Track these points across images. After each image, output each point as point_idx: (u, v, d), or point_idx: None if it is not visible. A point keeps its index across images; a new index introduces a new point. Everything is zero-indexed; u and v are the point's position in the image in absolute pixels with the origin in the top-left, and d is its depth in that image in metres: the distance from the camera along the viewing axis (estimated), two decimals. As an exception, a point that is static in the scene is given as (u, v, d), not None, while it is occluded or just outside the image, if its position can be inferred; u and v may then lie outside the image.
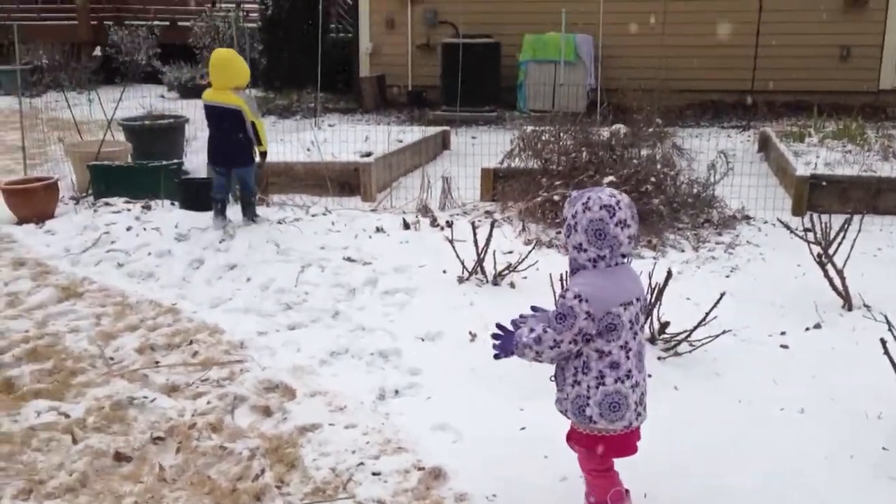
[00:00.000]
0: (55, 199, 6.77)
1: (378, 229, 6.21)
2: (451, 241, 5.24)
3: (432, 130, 9.74)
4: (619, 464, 2.78)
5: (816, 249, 4.73)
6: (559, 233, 6.09)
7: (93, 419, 3.56)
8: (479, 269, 5.16)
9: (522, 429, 3.45)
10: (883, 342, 3.29)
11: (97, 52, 16.05)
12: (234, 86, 6.13)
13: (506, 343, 2.76)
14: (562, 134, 7.32)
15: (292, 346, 4.33)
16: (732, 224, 6.43)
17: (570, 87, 11.73)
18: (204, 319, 4.68)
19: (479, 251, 5.12)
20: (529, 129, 7.86)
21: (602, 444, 2.66)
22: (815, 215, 4.96)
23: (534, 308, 2.82)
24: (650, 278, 4.15)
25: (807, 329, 4.44)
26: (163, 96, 13.87)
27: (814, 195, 6.74)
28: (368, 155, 7.86)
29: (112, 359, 4.20)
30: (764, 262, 5.62)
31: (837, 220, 4.82)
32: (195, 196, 6.67)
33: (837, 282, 4.68)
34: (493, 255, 5.16)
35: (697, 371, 3.93)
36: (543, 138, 7.43)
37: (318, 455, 3.29)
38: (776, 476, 3.10)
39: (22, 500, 3.03)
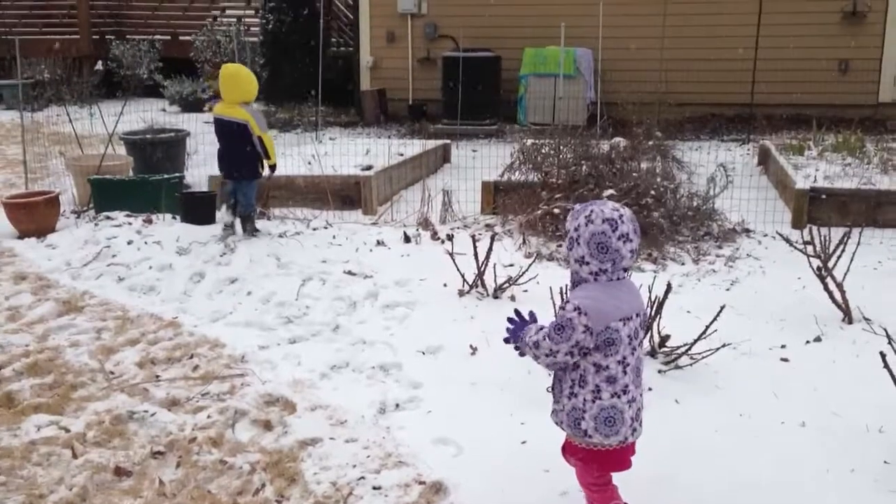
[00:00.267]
0: (56, 213, 6.78)
1: (379, 243, 6.22)
2: (451, 255, 5.25)
3: (433, 144, 9.76)
4: (619, 477, 2.78)
5: (816, 262, 4.74)
6: (559, 246, 6.10)
7: (93, 433, 3.55)
8: (479, 282, 5.17)
9: (523, 442, 3.44)
10: (883, 355, 3.29)
11: (99, 66, 16.11)
12: (242, 100, 6.19)
13: (517, 331, 2.75)
14: (562, 147, 7.34)
15: (293, 360, 4.34)
16: (732, 237, 6.44)
17: (570, 100, 11.77)
18: (205, 333, 4.69)
19: (480, 264, 5.13)
20: (529, 142, 7.88)
21: (596, 459, 2.65)
22: (815, 228, 4.97)
23: (532, 315, 2.81)
24: (650, 291, 4.15)
25: (807, 342, 4.44)
26: (164, 110, 13.91)
27: (813, 208, 6.75)
28: (369, 168, 7.87)
29: (112, 373, 4.20)
30: (764, 275, 5.62)
31: (837, 234, 4.83)
32: (196, 210, 6.69)
33: (837, 295, 4.68)
34: (494, 268, 5.17)
35: (698, 384, 3.93)
36: (543, 151, 7.46)
37: (318, 469, 3.29)
38: (777, 489, 3.10)
39: (22, 514, 3.03)
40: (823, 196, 6.76)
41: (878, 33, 11.99)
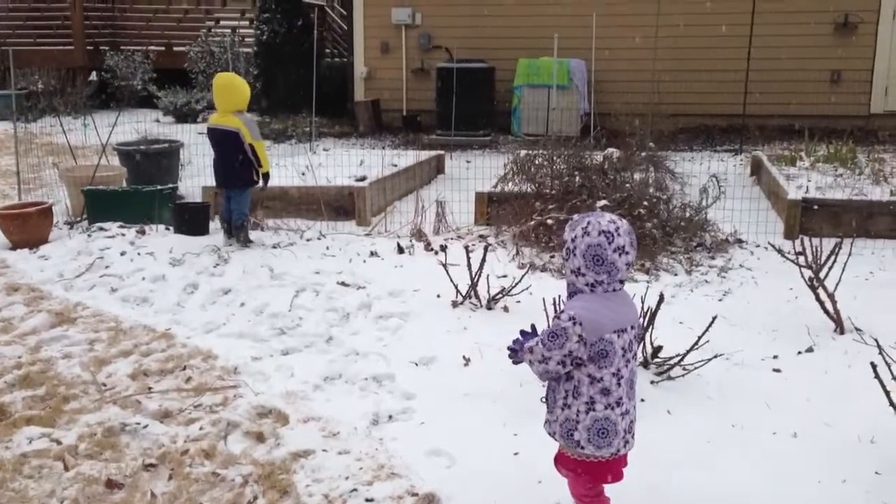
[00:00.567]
0: (49, 224, 6.77)
1: (372, 253, 6.23)
2: (445, 266, 5.26)
3: (427, 154, 9.78)
4: (610, 488, 2.79)
5: (808, 273, 4.76)
6: (553, 257, 6.12)
7: (85, 446, 3.54)
8: (472, 293, 5.18)
9: (516, 454, 3.44)
10: (873, 366, 3.30)
11: (93, 76, 16.11)
12: (234, 108, 6.24)
13: (522, 343, 2.72)
14: (555, 158, 7.36)
15: (286, 372, 4.33)
16: (725, 248, 6.47)
17: (564, 111, 11.82)
18: (197, 345, 4.68)
19: (473, 275, 5.14)
20: (523, 153, 7.90)
21: (588, 470, 2.66)
22: (807, 239, 4.99)
23: (533, 327, 2.81)
24: (643, 302, 4.16)
25: (799, 353, 4.45)
26: (158, 121, 13.91)
27: (805, 219, 6.78)
28: (363, 179, 7.88)
29: (105, 385, 4.18)
30: (756, 285, 5.64)
31: (829, 244, 4.85)
32: (190, 221, 6.69)
33: (829, 305, 4.70)
34: (487, 279, 5.18)
35: (690, 395, 3.93)
36: (537, 162, 7.48)
37: (311, 481, 3.28)
38: (769, 500, 3.10)
39: (13, 528, 3.02)
40: (815, 207, 6.79)
41: (869, 44, 12.07)
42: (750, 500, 3.11)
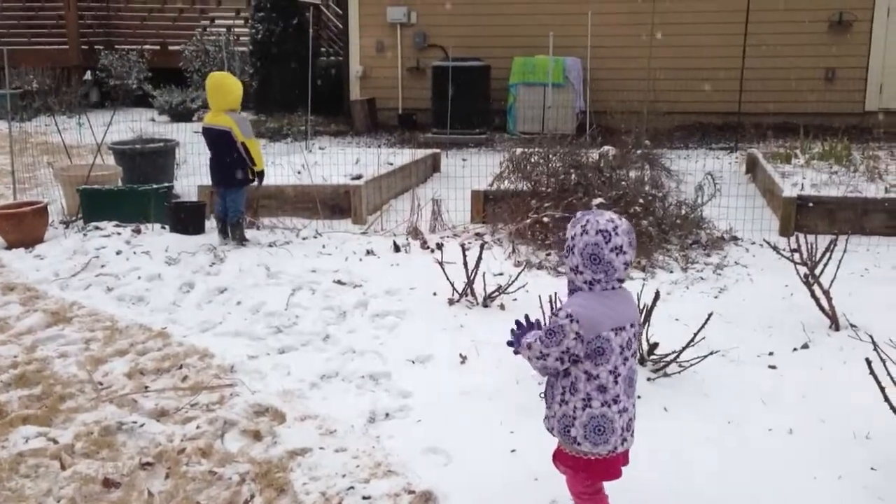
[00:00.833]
0: (45, 224, 6.76)
1: (368, 252, 6.23)
2: (441, 264, 5.26)
3: (423, 153, 9.78)
4: (608, 486, 2.79)
5: (803, 270, 4.77)
6: (549, 255, 6.12)
7: (81, 445, 3.54)
8: (469, 291, 5.18)
9: (513, 451, 3.45)
10: (868, 362, 3.31)
11: (88, 76, 16.08)
12: (227, 107, 6.25)
13: (520, 336, 2.76)
14: (551, 156, 7.36)
15: (282, 370, 4.33)
16: (720, 245, 6.48)
17: (559, 109, 11.82)
18: (194, 343, 4.68)
19: (469, 273, 5.15)
20: (519, 151, 7.90)
21: (585, 467, 2.66)
22: (802, 236, 5.00)
23: (527, 318, 2.83)
24: (639, 299, 4.16)
25: (794, 349, 4.46)
26: (153, 120, 13.89)
27: (801, 216, 6.79)
28: (359, 178, 7.88)
29: (101, 384, 4.18)
30: (752, 282, 5.65)
31: (824, 241, 4.86)
32: (185, 220, 6.69)
33: (824, 302, 4.71)
34: (483, 277, 5.18)
35: (686, 392, 3.94)
36: (533, 160, 7.48)
37: (308, 479, 3.29)
38: (765, 497, 3.11)
39: (9, 527, 3.01)
40: (810, 204, 6.81)
41: (863, 42, 12.10)
42: (746, 496, 3.12)
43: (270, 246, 6.39)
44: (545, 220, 6.39)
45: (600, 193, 6.53)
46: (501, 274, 5.53)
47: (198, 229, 6.69)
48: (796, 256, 4.81)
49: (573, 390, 2.61)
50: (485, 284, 5.16)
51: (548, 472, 2.99)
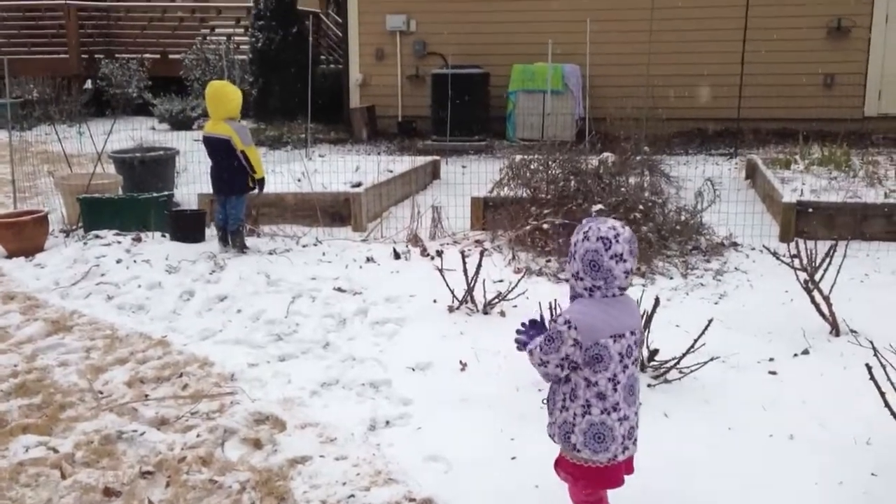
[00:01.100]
0: (45, 233, 6.77)
1: (368, 259, 6.23)
2: (441, 271, 5.27)
3: (422, 160, 9.79)
4: (610, 493, 2.79)
5: (803, 276, 4.77)
6: (549, 261, 6.13)
7: (81, 454, 3.54)
8: (469, 298, 5.18)
9: (513, 458, 3.45)
10: (868, 368, 3.31)
11: (88, 84, 16.11)
12: (226, 115, 6.27)
13: (528, 336, 2.76)
14: (550, 163, 7.37)
15: (283, 378, 4.33)
16: (720, 251, 6.48)
17: (559, 116, 11.83)
18: (194, 352, 4.68)
19: (469, 280, 5.15)
20: (518, 158, 7.91)
21: (585, 475, 2.66)
22: (802, 242, 5.00)
23: (542, 318, 2.84)
24: (639, 305, 4.16)
25: (795, 355, 4.46)
26: (153, 128, 13.91)
27: (800, 221, 6.79)
28: (359, 185, 7.89)
29: (101, 392, 4.18)
30: (752, 288, 5.65)
31: (824, 247, 4.86)
32: (186, 228, 6.69)
33: (824, 308, 4.71)
34: (483, 284, 5.19)
35: (687, 398, 3.94)
36: (532, 167, 7.48)
37: (308, 487, 3.28)
38: (766, 503, 3.11)
39: (9, 536, 3.01)
40: (810, 209, 6.81)
41: (862, 48, 12.12)
42: (746, 502, 3.12)
43: (270, 254, 6.39)
44: (545, 226, 6.39)
45: (600, 200, 6.53)
46: (501, 281, 5.53)
47: (198, 237, 6.69)
48: (796, 262, 4.81)
49: (573, 397, 2.61)
50: (485, 291, 5.16)
51: (548, 479, 2.98)
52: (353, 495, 3.20)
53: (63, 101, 14.36)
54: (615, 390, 2.58)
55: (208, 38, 16.12)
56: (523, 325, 2.83)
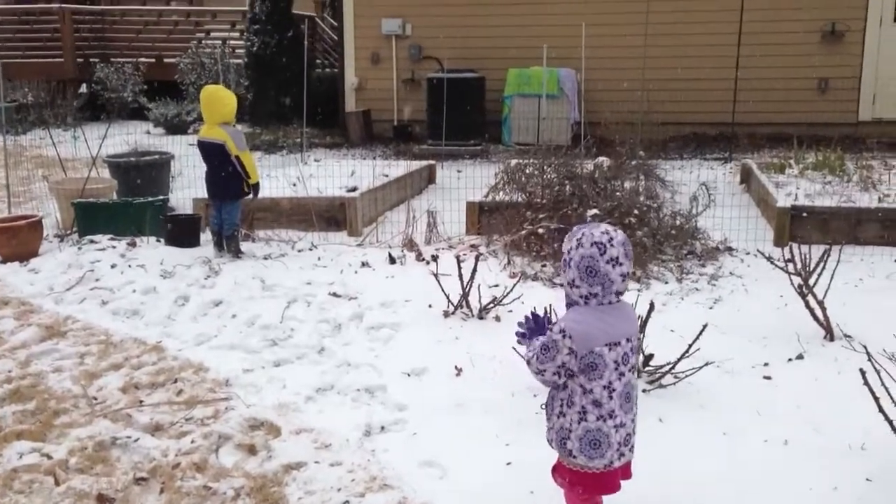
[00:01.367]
0: (39, 237, 6.75)
1: (364, 264, 6.23)
2: (436, 276, 5.27)
3: (418, 164, 9.80)
4: (605, 499, 2.79)
5: (797, 280, 4.78)
6: (544, 266, 6.13)
7: (75, 460, 3.52)
8: (464, 303, 5.18)
9: (508, 464, 3.44)
10: (862, 372, 3.31)
11: (83, 89, 16.09)
12: (221, 120, 6.27)
13: (531, 333, 2.78)
14: (546, 167, 7.38)
15: (278, 383, 4.32)
16: (715, 255, 6.49)
17: (554, 120, 11.85)
18: (189, 357, 4.67)
19: (465, 285, 5.15)
20: (514, 162, 7.92)
21: (581, 481, 2.66)
22: (796, 246, 5.01)
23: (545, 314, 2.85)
24: (634, 310, 4.16)
25: (789, 360, 4.47)
26: (148, 132, 13.89)
27: (795, 226, 6.81)
28: (354, 190, 7.89)
29: (95, 398, 4.17)
30: (746, 293, 5.66)
31: (818, 251, 4.87)
32: (180, 232, 6.68)
33: (819, 312, 4.72)
34: (479, 288, 5.19)
35: (681, 403, 3.94)
36: (528, 172, 7.49)
37: (303, 493, 3.28)
38: (761, 509, 3.12)
39: (3, 544, 3.00)
40: (804, 214, 6.83)
41: (856, 52, 12.15)
42: (742, 507, 3.13)
43: (266, 258, 6.38)
44: (540, 231, 6.40)
45: (595, 204, 6.54)
46: (497, 285, 5.53)
47: (193, 242, 6.68)
48: (790, 267, 4.83)
49: (570, 403, 2.62)
50: (480, 296, 5.16)
51: (544, 485, 2.99)
52: (347, 501, 3.20)
53: (58, 105, 14.35)
54: (610, 398, 2.59)
55: (203, 42, 16.12)
56: (526, 317, 2.83)
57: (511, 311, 5.14)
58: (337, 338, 4.94)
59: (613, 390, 2.58)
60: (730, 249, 6.66)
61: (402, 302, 5.41)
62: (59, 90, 14.93)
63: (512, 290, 5.20)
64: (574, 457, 2.62)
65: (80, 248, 6.51)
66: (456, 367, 4.40)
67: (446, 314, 5.17)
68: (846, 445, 3.51)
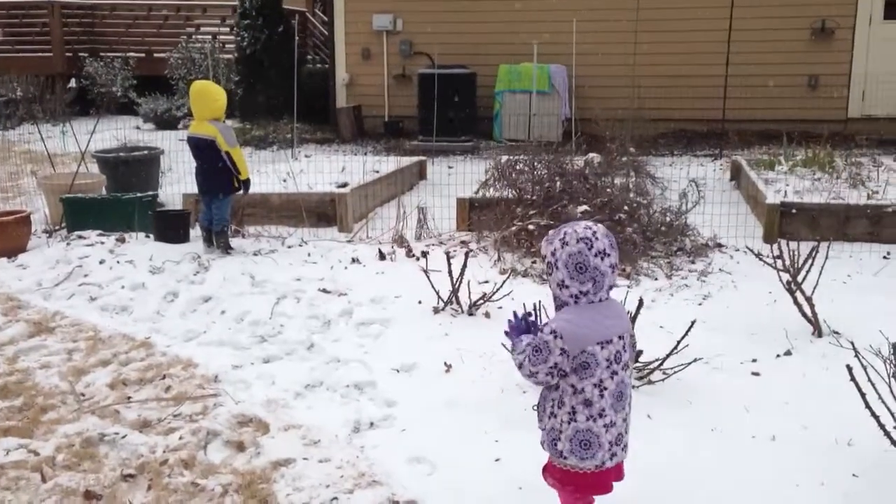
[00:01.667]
0: (28, 233, 6.72)
1: (354, 260, 6.22)
2: (426, 272, 5.26)
3: (409, 160, 9.78)
4: (597, 498, 2.79)
5: (786, 277, 4.80)
6: (534, 262, 6.13)
7: (62, 457, 3.51)
8: (454, 299, 5.18)
9: (497, 460, 3.45)
10: (849, 368, 3.33)
11: (72, 83, 15.99)
12: (210, 116, 6.24)
13: (517, 330, 2.74)
14: (536, 163, 7.38)
15: (267, 380, 4.31)
16: (705, 252, 6.50)
17: (545, 116, 11.85)
18: (177, 353, 4.65)
19: (454, 281, 5.15)
20: (504, 158, 7.92)
21: (572, 481, 2.65)
22: (785, 242, 5.03)
23: (524, 315, 2.80)
24: (623, 306, 4.17)
25: (777, 356, 4.49)
26: (138, 128, 13.83)
27: (784, 223, 6.83)
28: (345, 186, 7.87)
29: (83, 395, 4.15)
30: (735, 289, 5.68)
31: (807, 248, 4.89)
32: (170, 228, 6.66)
33: (807, 308, 4.74)
34: (468, 284, 5.18)
35: (670, 399, 3.95)
36: (518, 168, 7.49)
37: (291, 490, 3.27)
38: (748, 504, 3.13)
39: (-11, 541, 2.98)
40: (794, 211, 6.85)
41: (846, 49, 12.19)
42: (728, 503, 3.13)
43: (255, 254, 6.37)
44: (530, 227, 6.40)
45: (585, 201, 6.55)
46: (487, 282, 5.53)
47: (182, 238, 6.65)
48: (779, 263, 4.84)
49: (560, 404, 2.61)
50: (469, 292, 5.16)
51: (532, 481, 2.99)
52: (336, 498, 3.20)
53: (47, 100, 14.26)
54: (601, 396, 2.57)
55: (194, 36, 16.03)
56: (515, 315, 2.80)
57: (501, 307, 5.14)
58: (326, 334, 4.93)
59: (605, 389, 2.57)
60: (719, 246, 6.67)
61: (391, 298, 5.41)
62: (48, 85, 14.84)
63: (502, 286, 5.20)
64: (565, 458, 2.61)
65: (68, 244, 6.48)
66: (445, 364, 4.40)
67: (436, 310, 5.17)
68: (833, 441, 3.53)
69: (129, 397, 4.12)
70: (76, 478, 3.34)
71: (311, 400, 4.10)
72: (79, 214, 6.98)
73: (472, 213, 7.23)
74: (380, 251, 6.34)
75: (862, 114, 12.29)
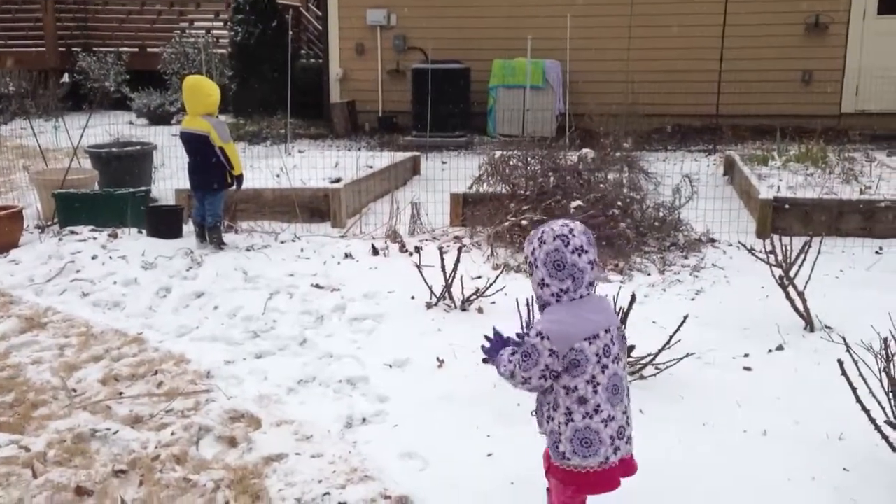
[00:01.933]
0: (20, 228, 6.70)
1: (347, 255, 6.22)
2: (419, 267, 5.26)
3: (402, 156, 9.77)
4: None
5: (778, 272, 4.80)
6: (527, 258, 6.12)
7: (54, 452, 3.50)
8: (447, 294, 5.18)
9: (489, 455, 3.45)
10: (840, 363, 3.34)
11: (65, 78, 15.93)
12: (204, 111, 6.23)
13: (494, 349, 2.74)
14: (530, 159, 7.38)
15: (259, 375, 4.31)
16: (698, 247, 6.51)
17: (539, 111, 11.85)
18: (170, 349, 4.65)
19: (447, 277, 5.14)
20: (498, 154, 7.92)
21: (576, 480, 2.63)
22: (778, 237, 5.04)
23: (496, 332, 2.80)
24: (616, 302, 4.17)
25: (770, 351, 4.50)
26: (131, 123, 13.78)
27: (777, 217, 6.84)
28: (338, 181, 7.86)
29: (75, 390, 4.14)
30: (728, 284, 5.69)
31: (800, 243, 4.90)
32: (163, 224, 6.64)
33: (799, 304, 4.75)
34: (461, 280, 5.18)
35: (662, 394, 3.96)
36: (511, 163, 7.49)
37: (283, 485, 3.27)
38: (739, 498, 3.13)
39: (-21, 537, 2.98)
40: (787, 206, 6.86)
41: (840, 44, 12.21)
42: (720, 498, 3.14)
43: (248, 250, 6.35)
44: (524, 222, 6.39)
45: (578, 196, 6.55)
46: (480, 277, 5.53)
47: (175, 233, 6.64)
48: (771, 258, 4.85)
49: (555, 406, 2.60)
50: (462, 288, 5.16)
51: (524, 476, 3.00)
52: (328, 493, 3.19)
53: (39, 95, 14.20)
54: (595, 392, 2.55)
55: (187, 31, 15.98)
56: (487, 337, 2.79)
57: (494, 302, 5.15)
58: (319, 329, 4.93)
59: (598, 384, 2.56)
60: (712, 241, 6.68)
61: (384, 293, 5.40)
62: (41, 80, 14.77)
63: (495, 281, 5.20)
64: (568, 458, 2.58)
65: (60, 240, 6.46)
66: (438, 359, 4.40)
67: (429, 306, 5.17)
68: (824, 435, 3.54)
69: (120, 393, 4.11)
70: (67, 473, 3.33)
71: (303, 395, 4.10)
72: (71, 210, 6.96)
73: (466, 209, 7.23)
74: (373, 246, 6.34)
75: (855, 109, 12.31)
